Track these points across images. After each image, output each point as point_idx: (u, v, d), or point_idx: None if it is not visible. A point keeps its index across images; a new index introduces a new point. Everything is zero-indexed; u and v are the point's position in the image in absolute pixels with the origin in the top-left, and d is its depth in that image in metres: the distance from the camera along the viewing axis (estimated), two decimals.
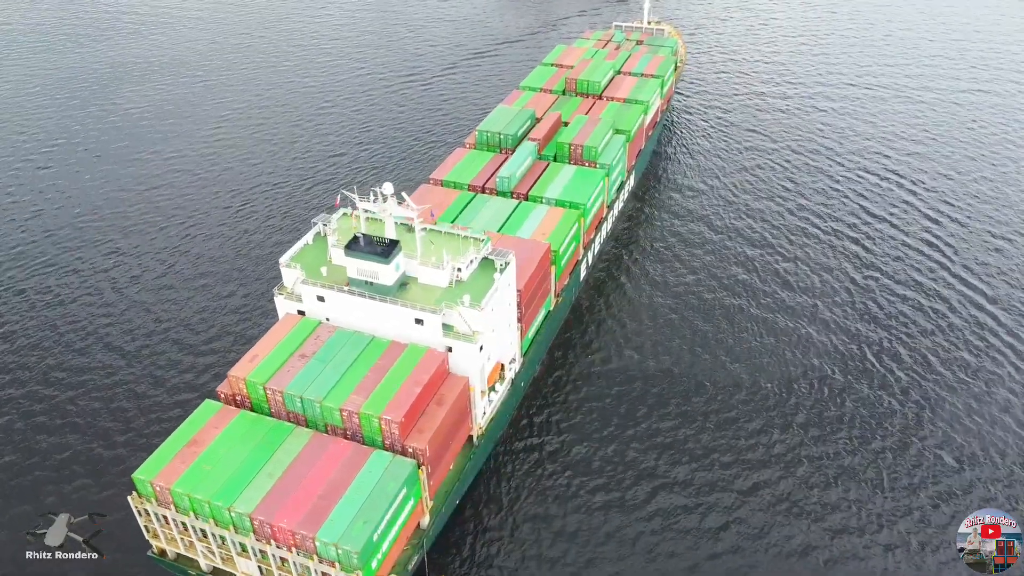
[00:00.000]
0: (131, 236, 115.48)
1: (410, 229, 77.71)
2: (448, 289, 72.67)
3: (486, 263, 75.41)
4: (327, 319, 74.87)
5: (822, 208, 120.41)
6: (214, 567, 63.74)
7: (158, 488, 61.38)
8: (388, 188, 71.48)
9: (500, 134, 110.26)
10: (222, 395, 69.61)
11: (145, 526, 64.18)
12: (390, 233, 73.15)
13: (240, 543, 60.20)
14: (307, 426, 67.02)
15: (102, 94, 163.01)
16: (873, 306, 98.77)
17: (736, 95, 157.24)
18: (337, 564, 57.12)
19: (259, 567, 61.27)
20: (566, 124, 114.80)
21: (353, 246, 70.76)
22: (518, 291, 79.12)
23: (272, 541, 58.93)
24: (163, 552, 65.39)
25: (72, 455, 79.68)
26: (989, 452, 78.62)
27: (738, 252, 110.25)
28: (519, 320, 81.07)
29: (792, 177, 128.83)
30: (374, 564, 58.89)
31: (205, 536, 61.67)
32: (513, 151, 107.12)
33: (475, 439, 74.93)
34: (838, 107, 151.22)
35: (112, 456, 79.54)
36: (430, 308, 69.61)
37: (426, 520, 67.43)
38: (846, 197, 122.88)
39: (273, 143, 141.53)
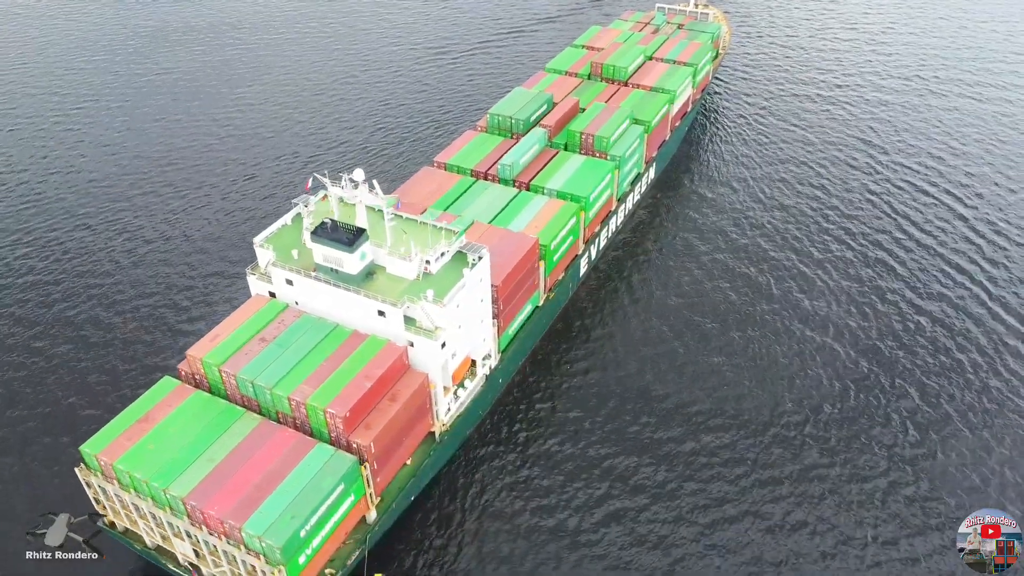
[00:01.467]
0: (137, 204, 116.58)
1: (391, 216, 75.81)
2: (415, 282, 70.74)
3: (460, 256, 73.12)
4: (296, 303, 73.95)
5: (856, 218, 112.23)
6: (157, 544, 64.13)
7: (102, 462, 61.82)
8: (359, 174, 69.60)
9: (511, 118, 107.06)
10: (182, 373, 69.61)
11: (94, 498, 64.88)
12: (361, 221, 71.42)
13: (174, 525, 60.17)
14: (259, 412, 66.48)
15: (138, 56, 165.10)
16: (894, 330, 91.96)
17: (782, 88, 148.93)
18: (262, 557, 56.53)
19: (194, 550, 61.27)
20: (583, 111, 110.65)
21: (320, 231, 69.36)
22: (495, 287, 76.69)
23: (203, 527, 58.72)
24: (112, 524, 66.10)
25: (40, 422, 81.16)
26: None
27: (756, 258, 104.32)
28: (496, 316, 78.73)
29: (828, 181, 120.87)
30: (301, 560, 58.11)
31: (143, 515, 61.89)
32: (523, 136, 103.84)
33: (437, 435, 73.31)
34: (892, 107, 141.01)
35: (74, 426, 79.58)
36: (391, 301, 67.86)
37: (372, 515, 66.31)
38: (885, 208, 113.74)
39: (290, 116, 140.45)
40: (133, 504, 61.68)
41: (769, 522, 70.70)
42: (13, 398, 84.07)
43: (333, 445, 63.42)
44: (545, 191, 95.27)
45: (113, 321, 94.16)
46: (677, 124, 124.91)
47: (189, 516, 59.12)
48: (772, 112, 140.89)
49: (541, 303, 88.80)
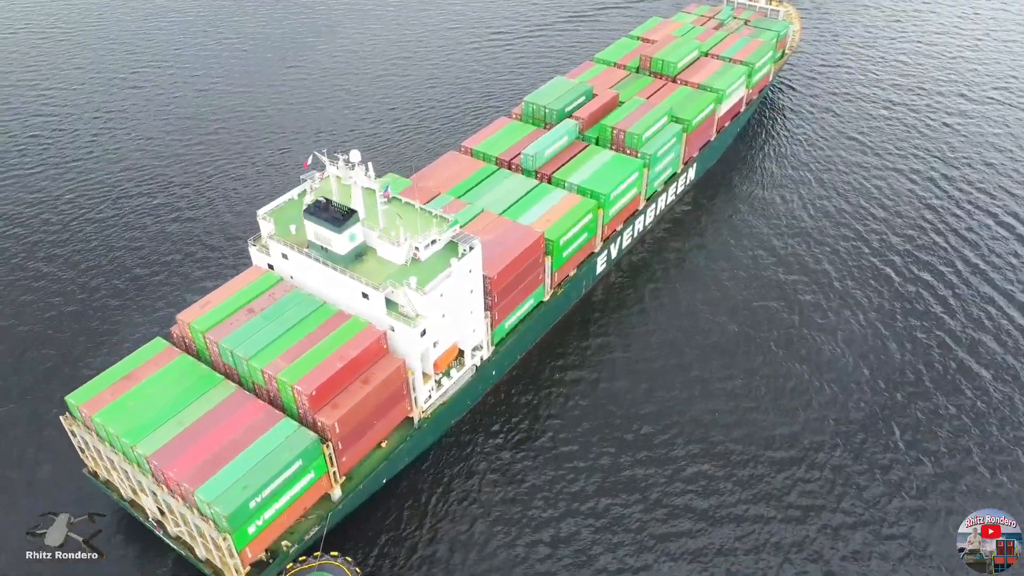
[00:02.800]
0: (184, 163, 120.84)
1: (388, 200, 76.06)
2: (403, 267, 70.79)
3: (453, 246, 72.65)
4: (291, 277, 75.20)
5: (912, 240, 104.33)
6: (131, 498, 66.83)
7: (83, 414, 64.69)
8: (355, 155, 69.91)
9: (545, 108, 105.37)
10: (174, 336, 71.92)
11: (79, 447, 68.02)
12: (357, 203, 71.77)
13: (141, 482, 62.47)
14: (239, 381, 68.10)
15: (213, 22, 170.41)
16: (932, 362, 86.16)
17: (853, 92, 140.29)
18: (211, 523, 58.08)
19: (159, 508, 63.54)
20: (622, 105, 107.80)
21: (312, 209, 70.18)
22: (490, 278, 76.01)
23: (164, 487, 60.75)
24: (95, 473, 69.27)
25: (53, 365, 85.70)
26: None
27: (788, 279, 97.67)
28: (490, 308, 78.05)
29: (887, 203, 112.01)
30: (251, 530, 59.49)
31: (117, 468, 64.50)
32: (554, 127, 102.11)
33: (416, 422, 73.47)
34: (974, 126, 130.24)
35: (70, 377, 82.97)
36: (374, 284, 68.11)
37: (337, 494, 67.15)
38: (949, 237, 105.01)
39: (337, 89, 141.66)
40: (108, 457, 64.34)
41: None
42: (36, 338, 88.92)
43: (300, 421, 64.42)
44: (566, 185, 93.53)
45: (139, 272, 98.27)
46: (727, 124, 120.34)
47: (153, 475, 61.27)
48: (839, 117, 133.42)
49: (546, 298, 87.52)
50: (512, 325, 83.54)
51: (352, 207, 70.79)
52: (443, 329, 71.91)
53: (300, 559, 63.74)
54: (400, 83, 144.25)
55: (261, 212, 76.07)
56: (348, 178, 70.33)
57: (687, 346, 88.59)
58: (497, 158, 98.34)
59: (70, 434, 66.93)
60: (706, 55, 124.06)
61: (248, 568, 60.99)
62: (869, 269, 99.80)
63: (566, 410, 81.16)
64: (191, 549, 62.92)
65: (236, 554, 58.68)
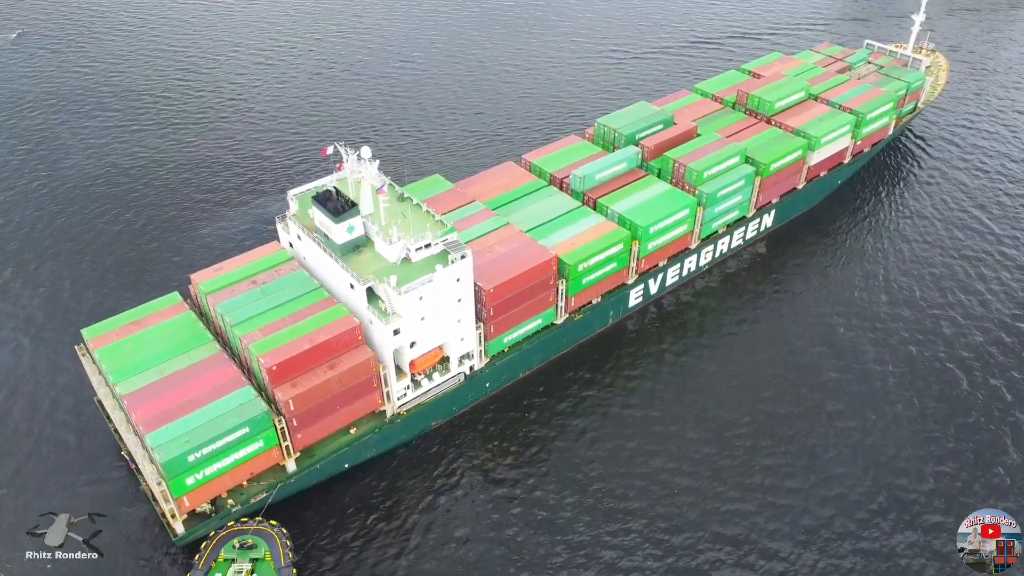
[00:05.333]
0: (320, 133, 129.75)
1: (401, 199, 78.59)
2: (393, 265, 72.96)
3: (454, 249, 73.66)
4: (304, 258, 79.62)
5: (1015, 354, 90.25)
6: (117, 429, 73.73)
7: (90, 347, 72.28)
8: (366, 151, 72.92)
9: (616, 131, 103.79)
10: (190, 292, 78.41)
11: (90, 374, 75.87)
12: (364, 197, 74.68)
13: (119, 418, 68.93)
14: (229, 345, 73.24)
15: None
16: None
17: (990, 169, 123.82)
18: (155, 467, 63.16)
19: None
20: (698, 138, 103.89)
21: (319, 197, 73.96)
22: (486, 291, 76.48)
23: (131, 426, 66.74)
24: (101, 402, 76.97)
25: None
26: None
27: (831, 378, 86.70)
28: (486, 321, 78.50)
29: (992, 308, 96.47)
30: (189, 481, 63.94)
31: (108, 400, 71.48)
32: (614, 152, 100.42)
33: (388, 416, 75.48)
34: None
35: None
36: (358, 276, 70.76)
37: (291, 467, 70.58)
38: None
39: (448, 93, 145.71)
40: (99, 388, 71.53)
41: None
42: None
43: (263, 392, 68.37)
44: (608, 212, 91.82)
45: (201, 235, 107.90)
46: (822, 174, 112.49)
47: (125, 412, 67.45)
48: (964, 191, 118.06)
49: (558, 321, 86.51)
50: (513, 341, 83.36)
51: (358, 201, 73.69)
52: (423, 331, 73.30)
53: (242, 520, 67.81)
54: (499, 90, 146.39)
55: (291, 192, 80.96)
56: (356, 172, 73.37)
57: (686, 420, 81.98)
58: (551, 175, 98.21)
59: (82, 361, 74.78)
60: (814, 99, 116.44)
61: (185, 516, 65.63)
62: (931, 385, 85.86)
63: (545, 443, 79.93)
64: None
65: (172, 500, 63.42)
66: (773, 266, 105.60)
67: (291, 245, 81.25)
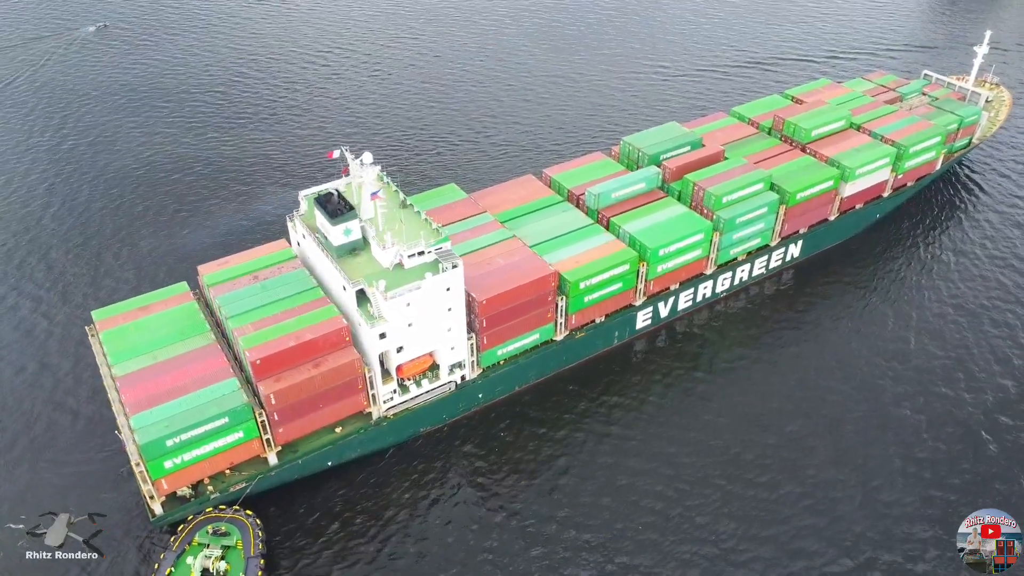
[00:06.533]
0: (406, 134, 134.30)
1: (403, 205, 79.79)
2: (385, 270, 74.05)
3: (445, 258, 74.37)
4: (308, 258, 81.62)
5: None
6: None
7: (98, 328, 75.84)
8: (367, 157, 74.44)
9: (640, 151, 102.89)
10: (199, 282, 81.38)
11: (96, 351, 79.38)
12: (365, 201, 76.09)
13: (113, 398, 71.98)
14: (226, 336, 75.69)
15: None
16: None
17: None
18: (137, 448, 65.73)
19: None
20: (724, 161, 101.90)
21: (320, 199, 75.77)
22: (480, 302, 76.83)
23: (122, 406, 69.63)
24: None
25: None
26: None
27: (856, 403, 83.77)
28: (479, 332, 78.81)
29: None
30: (167, 464, 66.23)
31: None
32: (634, 172, 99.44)
33: (374, 418, 76.54)
34: None
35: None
36: (349, 278, 72.13)
37: (272, 460, 72.31)
38: None
39: (497, 101, 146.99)
40: (104, 369, 74.86)
41: None
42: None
43: (248, 384, 70.35)
44: (620, 231, 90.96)
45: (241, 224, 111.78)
46: (857, 206, 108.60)
47: (118, 393, 70.41)
48: (1018, 231, 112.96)
49: (557, 337, 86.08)
50: (508, 354, 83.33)
51: (360, 204, 75.22)
52: (410, 337, 74.10)
53: (220, 507, 69.89)
54: (540, 102, 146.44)
55: (302, 193, 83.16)
56: (359, 176, 74.88)
57: (660, 463, 78.60)
58: (569, 191, 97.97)
59: (91, 340, 78.40)
60: (856, 128, 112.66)
61: (163, 498, 67.96)
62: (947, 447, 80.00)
63: (536, 459, 79.49)
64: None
65: (149, 481, 65.84)
66: (797, 297, 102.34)
67: (298, 244, 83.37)
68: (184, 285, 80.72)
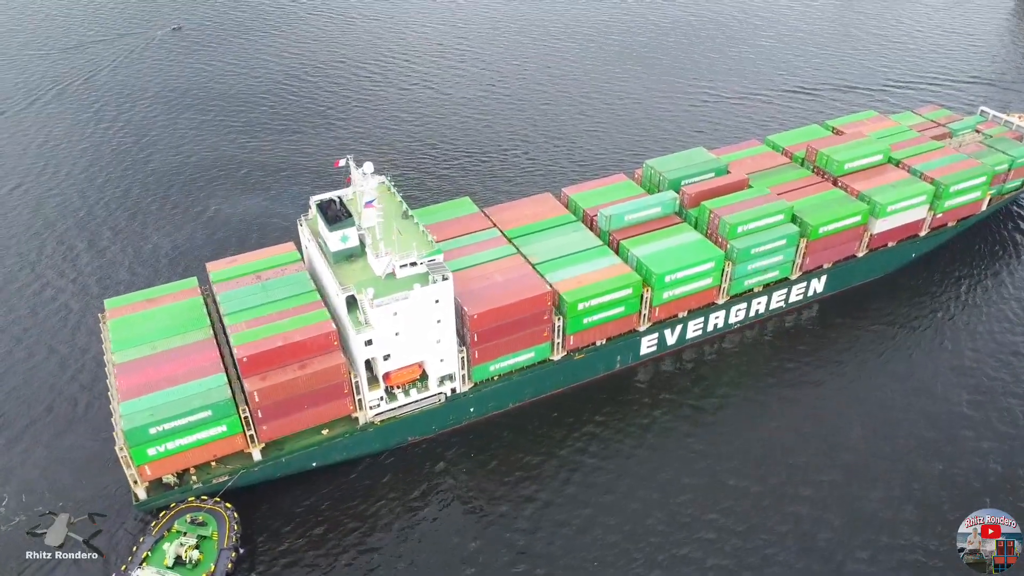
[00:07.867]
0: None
1: (405, 216, 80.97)
2: (377, 278, 75.23)
3: (436, 271, 75.13)
4: (312, 261, 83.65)
5: None
6: None
7: (107, 316, 79.46)
8: (368, 167, 75.91)
9: (661, 175, 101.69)
10: (208, 278, 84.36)
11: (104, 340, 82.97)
12: (366, 210, 77.55)
13: (111, 384, 75.22)
14: (223, 330, 78.21)
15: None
16: None
17: None
18: (122, 434, 68.49)
19: None
20: (747, 190, 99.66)
21: (322, 205, 77.65)
22: (471, 316, 77.25)
23: (117, 391, 72.67)
24: None
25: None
26: None
27: (868, 450, 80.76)
28: (471, 346, 79.16)
29: None
30: (151, 452, 68.70)
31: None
32: (652, 196, 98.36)
33: (361, 423, 77.67)
34: None
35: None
36: (340, 283, 73.61)
37: (256, 455, 74.20)
38: None
39: (535, 115, 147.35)
40: (107, 356, 78.29)
41: None
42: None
43: (238, 380, 72.46)
44: (629, 255, 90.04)
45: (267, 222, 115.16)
46: (889, 244, 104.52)
47: (115, 379, 73.53)
48: None
49: (554, 357, 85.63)
50: (502, 370, 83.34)
51: (361, 213, 76.79)
52: (398, 346, 75.00)
53: (202, 497, 72.13)
54: (579, 120, 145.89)
55: (313, 198, 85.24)
56: (360, 185, 76.45)
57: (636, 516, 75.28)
58: (585, 211, 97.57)
59: (101, 327, 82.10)
60: (895, 163, 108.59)
61: (147, 484, 70.51)
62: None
63: (515, 483, 78.90)
64: None
65: (132, 466, 68.43)
66: (816, 334, 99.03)
67: (306, 247, 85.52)
68: (194, 280, 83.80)
